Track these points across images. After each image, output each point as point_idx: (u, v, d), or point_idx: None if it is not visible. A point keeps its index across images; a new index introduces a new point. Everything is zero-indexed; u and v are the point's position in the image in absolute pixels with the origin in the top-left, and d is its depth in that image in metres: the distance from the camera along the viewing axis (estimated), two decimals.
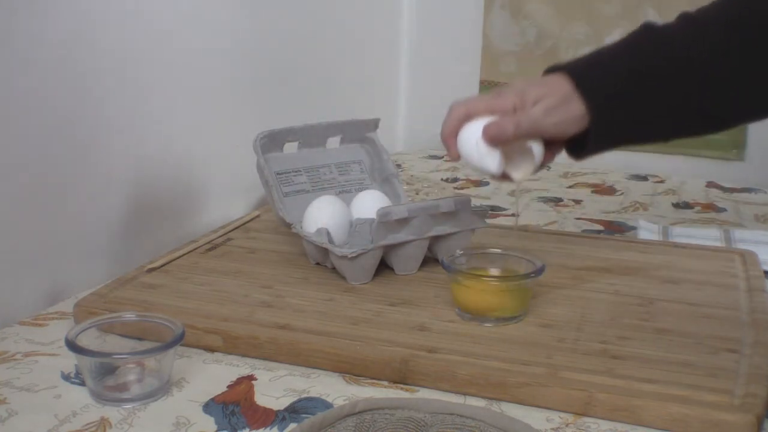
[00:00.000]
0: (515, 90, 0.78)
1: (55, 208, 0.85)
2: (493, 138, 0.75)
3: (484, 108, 0.77)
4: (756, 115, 0.80)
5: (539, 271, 0.77)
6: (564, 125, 0.76)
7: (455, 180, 1.41)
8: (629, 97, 0.76)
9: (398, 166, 1.48)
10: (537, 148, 0.77)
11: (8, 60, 0.78)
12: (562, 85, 0.76)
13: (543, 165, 0.81)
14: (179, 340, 0.65)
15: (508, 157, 0.77)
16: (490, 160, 0.76)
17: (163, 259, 0.89)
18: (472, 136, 0.77)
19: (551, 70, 0.79)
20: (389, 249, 0.86)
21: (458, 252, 0.82)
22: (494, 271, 0.80)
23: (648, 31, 0.78)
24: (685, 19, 0.79)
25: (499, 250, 0.82)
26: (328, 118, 1.01)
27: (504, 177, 0.79)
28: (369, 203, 0.91)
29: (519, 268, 0.79)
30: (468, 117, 0.78)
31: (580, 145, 0.79)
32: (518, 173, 0.79)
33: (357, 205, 0.92)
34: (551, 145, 0.80)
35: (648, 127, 0.78)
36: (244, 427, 0.61)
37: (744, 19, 0.75)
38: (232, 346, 0.73)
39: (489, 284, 0.77)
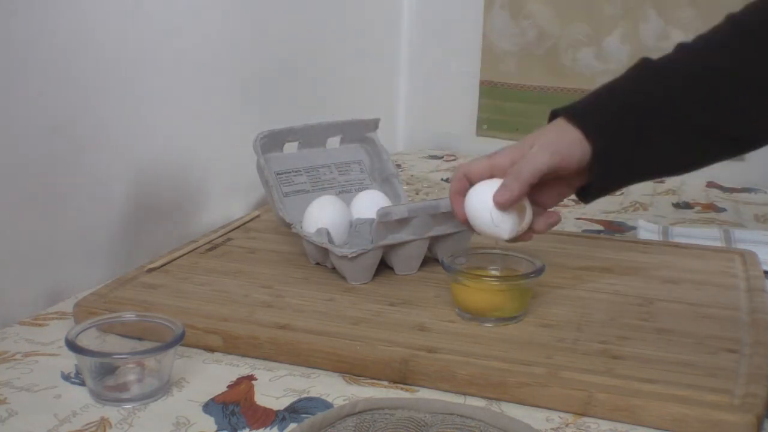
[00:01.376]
0: (513, 146, 0.77)
1: (55, 209, 0.85)
2: (504, 203, 0.74)
3: (483, 169, 0.77)
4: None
5: (539, 271, 0.77)
6: (562, 153, 0.75)
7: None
8: (629, 126, 0.76)
9: (398, 166, 1.48)
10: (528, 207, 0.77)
11: (8, 60, 0.78)
12: (557, 122, 0.76)
13: (554, 204, 0.80)
14: (179, 340, 0.65)
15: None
16: (505, 226, 0.75)
17: (163, 259, 0.89)
18: (481, 204, 0.75)
19: (552, 115, 0.79)
20: (389, 249, 0.86)
21: (458, 252, 0.82)
22: (494, 271, 0.80)
23: (646, 63, 0.78)
24: (683, 47, 0.79)
25: (499, 250, 0.82)
26: (328, 118, 1.01)
27: (515, 239, 0.78)
28: (369, 203, 0.91)
29: (519, 268, 0.79)
30: (470, 181, 0.77)
31: (588, 188, 0.79)
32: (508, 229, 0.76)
33: (357, 205, 0.92)
34: (560, 186, 0.79)
35: (655, 158, 0.78)
36: (244, 427, 0.61)
37: (747, 38, 0.75)
38: (232, 346, 0.73)
39: (489, 284, 0.77)
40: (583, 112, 0.77)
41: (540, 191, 0.78)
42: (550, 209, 0.80)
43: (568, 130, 0.75)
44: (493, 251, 0.82)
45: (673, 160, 0.79)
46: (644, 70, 0.78)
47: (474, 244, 0.90)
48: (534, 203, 0.77)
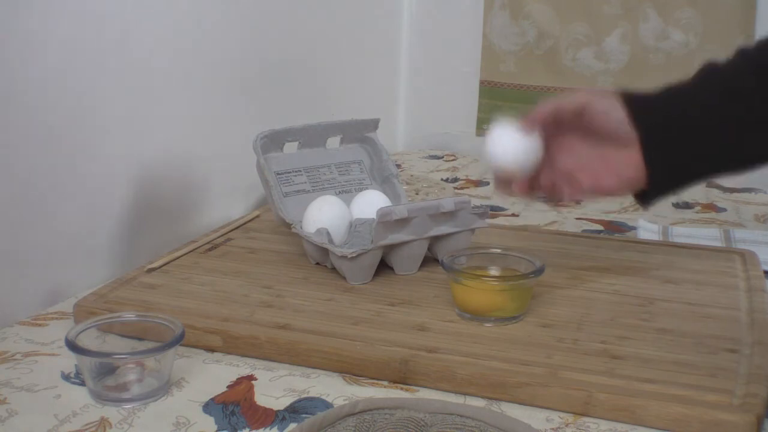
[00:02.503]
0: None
1: (55, 209, 0.85)
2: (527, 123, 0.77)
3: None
4: None
5: (539, 271, 0.77)
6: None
7: (455, 180, 1.41)
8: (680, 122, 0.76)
9: (398, 166, 1.48)
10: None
11: (9, 60, 0.78)
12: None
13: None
14: (179, 340, 0.65)
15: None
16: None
17: (163, 259, 0.89)
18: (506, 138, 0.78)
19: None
20: (389, 249, 0.86)
21: (458, 252, 0.82)
22: (494, 271, 0.80)
23: (710, 68, 0.78)
24: (742, 53, 0.78)
25: (499, 250, 0.82)
26: (328, 118, 1.01)
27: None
28: (369, 203, 0.91)
29: (519, 268, 0.79)
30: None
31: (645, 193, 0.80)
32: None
33: (357, 205, 0.92)
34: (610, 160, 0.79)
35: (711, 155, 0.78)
36: (244, 427, 0.61)
37: None
38: (232, 346, 0.73)
39: (489, 284, 0.77)
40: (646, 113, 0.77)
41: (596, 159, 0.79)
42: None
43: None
44: (494, 251, 0.82)
45: (732, 165, 0.80)
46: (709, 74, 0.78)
47: (474, 244, 0.91)
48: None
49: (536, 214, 1.20)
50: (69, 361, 0.69)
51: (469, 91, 1.69)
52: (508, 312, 0.76)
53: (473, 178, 1.42)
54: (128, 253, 0.94)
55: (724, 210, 1.25)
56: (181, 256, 0.92)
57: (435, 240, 0.89)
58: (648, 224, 1.13)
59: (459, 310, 0.77)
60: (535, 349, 0.70)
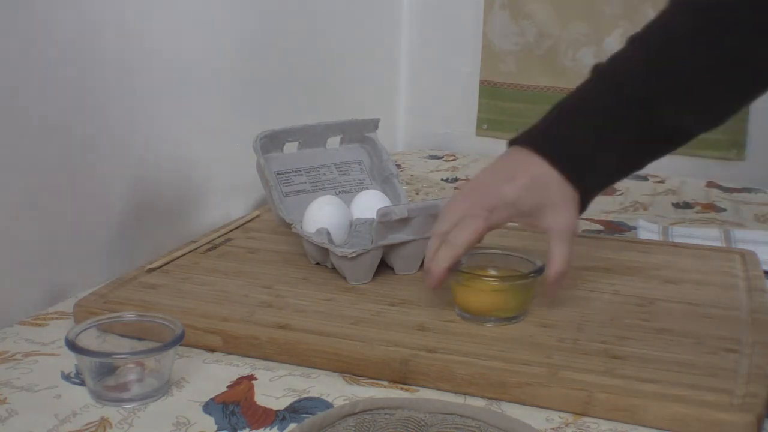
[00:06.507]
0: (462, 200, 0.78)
1: (55, 209, 0.85)
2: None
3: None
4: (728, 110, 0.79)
5: (539, 270, 0.77)
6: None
7: (455, 180, 1.41)
8: (605, 153, 0.76)
9: (398, 166, 1.48)
10: None
11: (9, 60, 0.78)
12: (532, 160, 0.76)
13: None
14: (179, 340, 0.65)
15: None
16: None
17: (163, 259, 0.89)
18: None
19: (512, 142, 0.79)
20: (389, 249, 0.86)
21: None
22: (494, 271, 0.80)
23: (600, 77, 0.78)
24: (632, 41, 0.78)
25: (498, 250, 0.82)
26: (328, 118, 1.01)
27: None
28: (369, 203, 0.91)
29: (520, 268, 0.79)
30: None
31: None
32: None
33: (357, 205, 0.92)
34: None
35: (627, 166, 0.79)
36: (244, 427, 0.61)
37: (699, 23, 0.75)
38: (232, 346, 0.73)
39: (489, 284, 0.77)
40: (561, 151, 0.76)
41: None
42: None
43: (548, 174, 0.75)
44: (493, 251, 0.82)
45: (638, 165, 0.80)
46: (601, 82, 0.77)
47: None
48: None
49: None
50: (69, 361, 0.69)
51: (469, 91, 1.69)
52: (509, 312, 0.76)
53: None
54: (128, 253, 0.94)
55: (724, 210, 1.25)
56: (181, 256, 0.92)
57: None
58: (648, 224, 1.13)
59: (459, 310, 0.77)
60: (535, 349, 0.70)
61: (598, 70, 0.78)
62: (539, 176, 0.75)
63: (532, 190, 0.75)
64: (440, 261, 0.75)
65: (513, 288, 0.76)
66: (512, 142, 0.79)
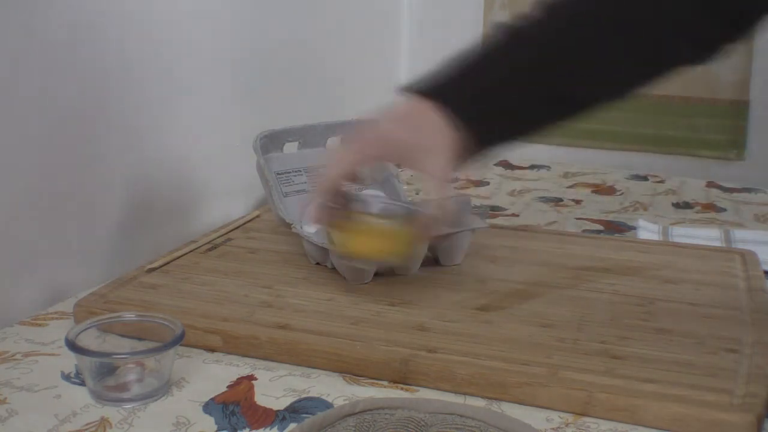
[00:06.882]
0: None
1: (55, 209, 0.85)
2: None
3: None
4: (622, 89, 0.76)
5: (412, 213, 0.74)
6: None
7: (455, 180, 1.41)
8: (493, 101, 0.74)
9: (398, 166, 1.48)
10: None
11: (9, 60, 0.77)
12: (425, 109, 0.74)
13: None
14: (179, 340, 0.65)
15: None
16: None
17: (163, 259, 0.89)
18: None
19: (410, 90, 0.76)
20: None
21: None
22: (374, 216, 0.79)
23: (504, 33, 0.76)
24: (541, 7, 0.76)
25: (390, 200, 0.82)
26: (328, 118, 1.01)
27: None
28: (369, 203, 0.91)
29: (398, 212, 0.77)
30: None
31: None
32: None
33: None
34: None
35: (523, 122, 0.76)
36: (244, 427, 0.61)
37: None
38: (232, 346, 0.73)
39: (360, 224, 0.76)
40: (459, 102, 0.74)
41: None
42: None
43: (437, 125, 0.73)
44: (385, 200, 0.82)
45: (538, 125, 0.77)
46: (506, 40, 0.76)
47: (474, 244, 0.90)
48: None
49: (536, 214, 1.20)
50: (69, 361, 0.69)
51: None
52: (390, 256, 0.75)
53: (473, 178, 1.42)
54: (128, 253, 0.94)
55: (724, 210, 1.25)
56: (181, 256, 0.92)
57: (435, 240, 0.89)
58: (648, 224, 1.13)
59: (338, 255, 0.76)
60: (535, 349, 0.70)
61: (504, 29, 0.76)
62: (418, 117, 0.73)
63: (409, 130, 0.73)
64: (315, 194, 0.75)
65: (388, 230, 0.75)
66: (409, 88, 0.77)
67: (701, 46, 0.74)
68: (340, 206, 0.76)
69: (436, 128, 0.73)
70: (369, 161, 0.76)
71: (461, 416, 0.59)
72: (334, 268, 0.87)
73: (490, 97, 0.74)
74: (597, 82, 0.75)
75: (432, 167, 0.72)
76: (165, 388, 0.66)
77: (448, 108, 0.73)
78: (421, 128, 0.73)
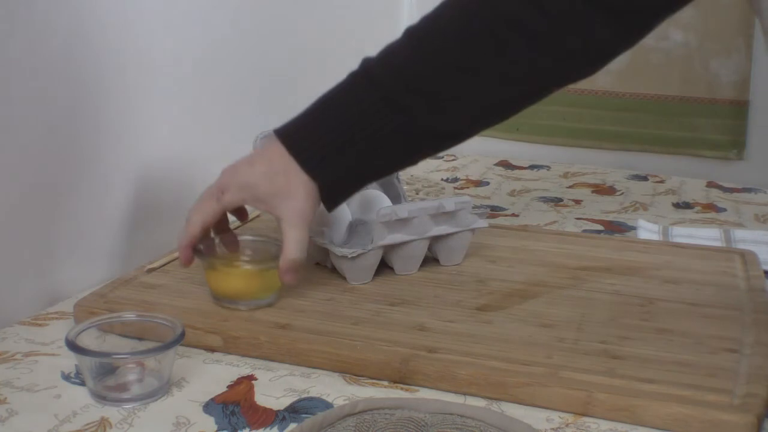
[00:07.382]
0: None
1: (55, 209, 0.85)
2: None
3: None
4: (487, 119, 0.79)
5: (275, 258, 0.76)
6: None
7: (455, 180, 1.41)
8: (347, 148, 0.76)
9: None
10: None
11: (8, 61, 0.77)
12: (276, 158, 0.76)
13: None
14: (179, 340, 0.65)
15: None
16: None
17: (163, 259, 0.89)
18: None
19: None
20: (389, 249, 0.86)
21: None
22: (246, 258, 0.82)
23: (364, 73, 0.80)
24: (409, 36, 0.79)
25: (258, 237, 0.84)
26: None
27: None
28: (369, 203, 0.91)
29: (276, 253, 0.78)
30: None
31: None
32: None
33: (357, 205, 0.92)
34: None
35: (378, 163, 0.79)
36: (244, 427, 0.61)
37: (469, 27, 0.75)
38: (232, 346, 0.73)
39: (231, 269, 0.79)
40: (310, 154, 0.76)
41: None
42: None
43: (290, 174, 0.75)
44: (252, 238, 0.84)
45: (399, 163, 0.81)
46: (361, 77, 0.80)
47: (473, 244, 0.91)
48: None
49: (536, 214, 1.20)
50: (69, 361, 0.69)
51: None
52: (257, 295, 0.78)
53: (473, 178, 1.42)
54: (128, 253, 0.94)
55: (724, 210, 1.25)
56: None
57: (435, 240, 0.89)
58: (648, 224, 1.13)
59: (213, 295, 0.79)
60: (535, 349, 0.70)
61: (365, 64, 0.80)
62: (277, 164, 0.76)
63: (268, 177, 0.76)
64: (180, 239, 0.78)
65: (255, 273, 0.78)
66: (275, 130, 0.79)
67: (593, 47, 0.75)
68: (209, 251, 0.80)
69: (292, 173, 0.75)
70: (228, 208, 0.79)
71: (461, 416, 0.59)
72: (334, 268, 0.87)
73: (333, 149, 0.76)
74: (457, 110, 0.76)
75: (286, 212, 0.75)
76: (165, 388, 0.66)
77: (294, 154, 0.75)
78: (277, 173, 0.75)
